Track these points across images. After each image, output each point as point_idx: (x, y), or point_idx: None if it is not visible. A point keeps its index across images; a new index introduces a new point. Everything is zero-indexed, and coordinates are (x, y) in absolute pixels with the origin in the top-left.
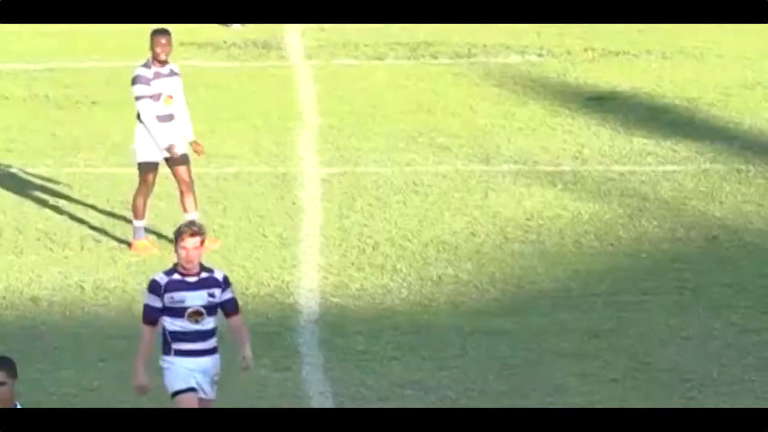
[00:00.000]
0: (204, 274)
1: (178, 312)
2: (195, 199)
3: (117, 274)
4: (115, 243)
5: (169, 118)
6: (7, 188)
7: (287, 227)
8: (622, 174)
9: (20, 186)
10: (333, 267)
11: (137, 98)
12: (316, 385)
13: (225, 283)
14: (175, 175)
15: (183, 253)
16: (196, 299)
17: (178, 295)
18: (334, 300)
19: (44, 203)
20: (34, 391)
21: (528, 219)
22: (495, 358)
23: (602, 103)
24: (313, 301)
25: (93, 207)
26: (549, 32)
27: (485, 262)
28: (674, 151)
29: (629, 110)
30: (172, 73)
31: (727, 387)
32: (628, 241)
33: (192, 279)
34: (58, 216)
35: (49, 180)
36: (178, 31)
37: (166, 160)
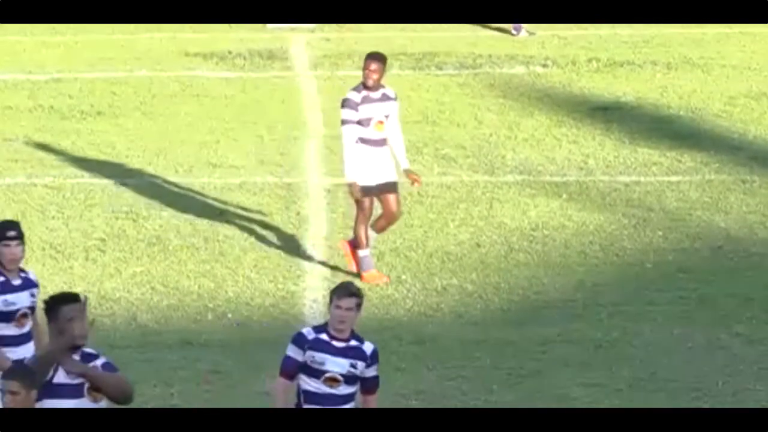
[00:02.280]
0: (353, 342)
1: (315, 373)
2: (386, 228)
3: (121, 285)
4: (119, 253)
5: (381, 143)
6: (12, 199)
7: (292, 237)
8: (626, 184)
9: (25, 196)
10: (338, 277)
11: (342, 122)
12: None
13: (372, 359)
14: (383, 203)
15: (336, 312)
16: (336, 366)
17: (319, 356)
18: None
19: (49, 214)
20: None
21: (533, 229)
22: (500, 368)
23: (607, 114)
24: (318, 311)
25: (98, 218)
26: (553, 43)
27: (490, 273)
28: (679, 161)
29: (634, 121)
30: (385, 98)
31: (732, 397)
32: (633, 252)
33: (339, 344)
34: (62, 227)
35: (54, 190)
36: (183, 41)
37: (377, 186)
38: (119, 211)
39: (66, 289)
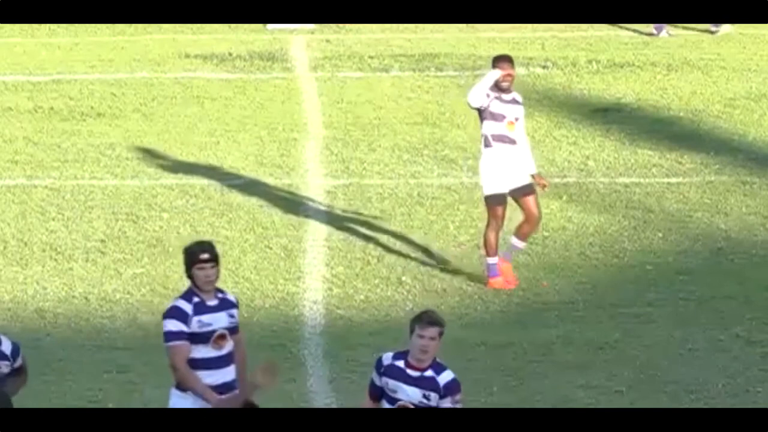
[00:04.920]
0: (428, 373)
1: (389, 399)
2: (531, 233)
3: (122, 287)
4: (120, 255)
5: (513, 141)
6: (12, 200)
7: (292, 239)
8: (627, 186)
9: (25, 198)
10: (338, 279)
11: (477, 108)
12: (321, 397)
13: (446, 390)
14: (522, 206)
15: (419, 342)
16: (410, 395)
17: (393, 383)
18: (339, 312)
19: (49, 215)
20: (39, 402)
21: None
22: (500, 370)
23: (607, 115)
24: (318, 312)
25: (98, 219)
26: (553, 44)
27: None
28: (679, 163)
29: (634, 122)
30: (515, 102)
31: (732, 398)
32: (633, 253)
33: (414, 373)
34: (62, 228)
35: (54, 192)
36: (183, 43)
37: (513, 190)
38: (119, 213)
39: (67, 290)
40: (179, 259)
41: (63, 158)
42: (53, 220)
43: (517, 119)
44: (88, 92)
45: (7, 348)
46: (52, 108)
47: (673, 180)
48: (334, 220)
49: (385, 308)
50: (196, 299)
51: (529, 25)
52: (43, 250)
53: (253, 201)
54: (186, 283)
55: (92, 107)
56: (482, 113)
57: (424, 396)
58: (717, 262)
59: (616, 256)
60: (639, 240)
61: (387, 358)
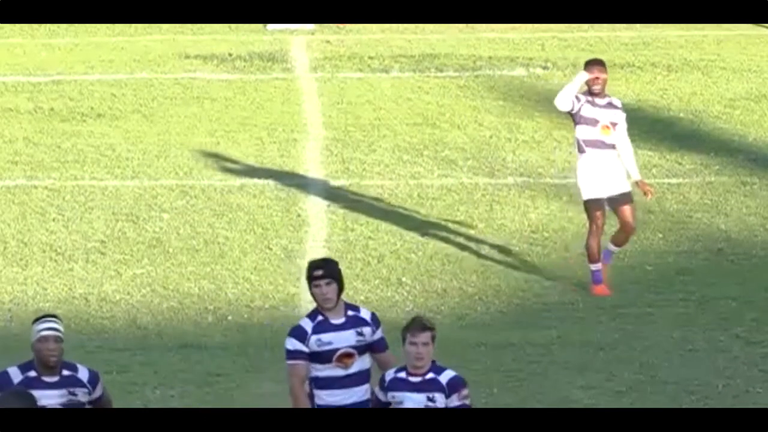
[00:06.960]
0: (429, 375)
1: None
2: (626, 242)
3: (122, 287)
4: (119, 256)
5: (609, 146)
6: (12, 201)
7: (292, 240)
8: None
9: (25, 198)
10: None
11: (571, 113)
12: None
13: (450, 388)
14: (618, 215)
15: (412, 349)
16: (413, 402)
17: (399, 395)
18: None
19: (49, 216)
20: None
21: (533, 231)
22: (500, 370)
23: None
24: None
25: (98, 220)
26: (554, 44)
27: (490, 275)
28: (679, 163)
29: (634, 123)
30: (611, 106)
31: (732, 399)
32: (633, 254)
33: (415, 379)
34: (62, 229)
35: (54, 192)
36: (183, 43)
37: (610, 198)
38: (119, 214)
39: (67, 291)
40: (179, 260)
41: (63, 159)
42: (53, 220)
43: (614, 124)
44: (88, 93)
45: (84, 375)
46: (52, 109)
47: (673, 180)
48: (334, 220)
49: (385, 309)
50: (319, 317)
51: (529, 26)
52: (43, 251)
53: (253, 202)
54: None
55: (92, 108)
56: (574, 117)
57: (429, 398)
58: (717, 262)
59: (616, 257)
60: (639, 240)
61: (389, 374)
